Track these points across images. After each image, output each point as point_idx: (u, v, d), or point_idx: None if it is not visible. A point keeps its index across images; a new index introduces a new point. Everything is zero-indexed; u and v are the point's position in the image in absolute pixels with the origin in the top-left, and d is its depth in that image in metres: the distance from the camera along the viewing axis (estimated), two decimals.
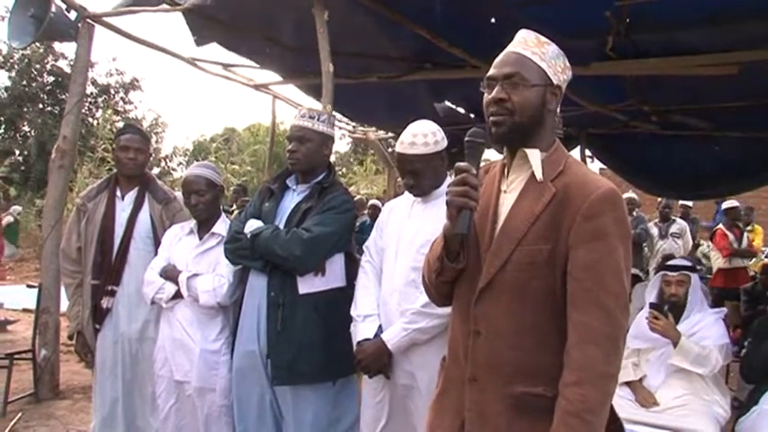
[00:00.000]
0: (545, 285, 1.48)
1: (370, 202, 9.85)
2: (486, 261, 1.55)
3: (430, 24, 4.16)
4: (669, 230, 7.85)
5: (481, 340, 1.55)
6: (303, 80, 5.67)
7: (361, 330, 2.47)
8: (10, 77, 17.57)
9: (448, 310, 1.73)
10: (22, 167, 17.59)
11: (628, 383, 3.21)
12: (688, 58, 4.08)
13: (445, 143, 2.43)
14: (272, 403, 2.68)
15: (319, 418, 2.63)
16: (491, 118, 1.54)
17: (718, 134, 5.85)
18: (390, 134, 8.28)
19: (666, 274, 3.42)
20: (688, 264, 3.58)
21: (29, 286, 9.47)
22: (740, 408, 3.31)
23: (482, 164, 1.63)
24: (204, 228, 2.98)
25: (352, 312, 2.54)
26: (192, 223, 3.02)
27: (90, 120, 17.35)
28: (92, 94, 18.02)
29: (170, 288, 2.89)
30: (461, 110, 6.28)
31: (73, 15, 4.75)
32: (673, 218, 8.03)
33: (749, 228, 7.77)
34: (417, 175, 2.40)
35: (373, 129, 8.48)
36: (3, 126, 17.73)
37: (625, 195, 7.37)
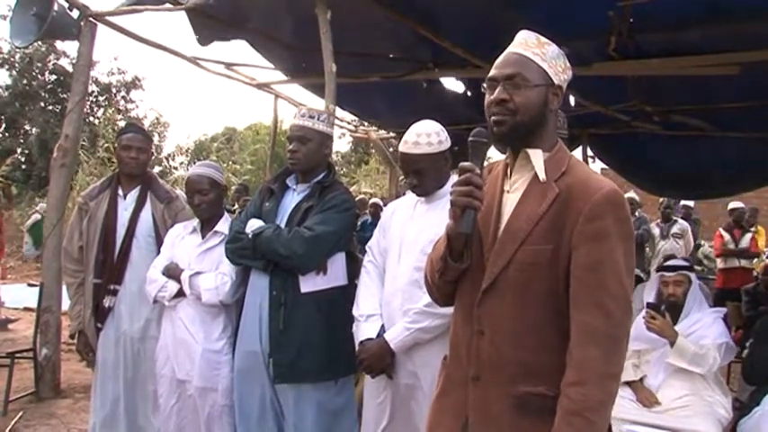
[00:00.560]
0: (548, 285, 1.49)
1: (372, 200, 9.85)
2: (489, 261, 1.55)
3: (432, 24, 4.16)
4: (671, 231, 7.86)
5: (485, 340, 1.55)
6: (306, 79, 5.67)
7: (364, 330, 2.47)
8: (11, 76, 17.60)
9: (451, 309, 1.73)
10: (24, 166, 17.61)
11: (629, 383, 3.21)
12: (689, 58, 4.08)
13: (449, 143, 2.44)
14: (273, 403, 2.68)
15: (321, 417, 2.63)
16: (493, 118, 1.54)
17: (720, 134, 5.85)
18: (392, 134, 8.27)
19: (664, 275, 3.43)
20: (685, 264, 3.57)
21: (30, 285, 9.48)
22: (742, 409, 3.31)
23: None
24: (207, 226, 2.99)
25: (355, 312, 2.54)
26: (195, 222, 3.03)
27: (91, 119, 17.37)
28: (93, 92, 18.04)
29: (173, 286, 2.90)
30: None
31: (75, 14, 4.75)
32: (674, 218, 8.03)
33: (753, 229, 7.76)
34: (421, 175, 2.40)
35: (375, 128, 8.47)
36: (4, 125, 17.75)
37: (627, 195, 7.37)
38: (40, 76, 17.93)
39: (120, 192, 3.26)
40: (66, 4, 4.71)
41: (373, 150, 15.78)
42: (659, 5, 3.45)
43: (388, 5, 3.92)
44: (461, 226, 1.51)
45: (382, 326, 2.45)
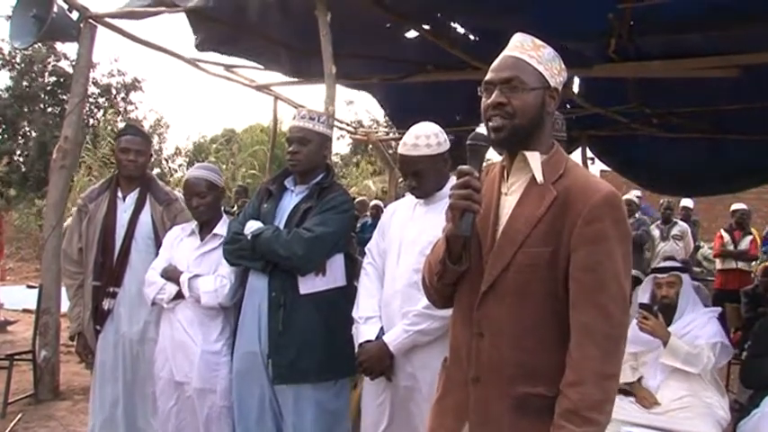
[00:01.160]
0: (546, 287, 1.50)
1: (372, 202, 9.86)
2: (488, 264, 1.55)
3: (432, 25, 4.17)
4: (670, 232, 7.85)
5: (484, 342, 1.55)
6: (306, 81, 5.69)
7: (363, 332, 2.47)
8: (11, 77, 17.60)
9: (449, 311, 1.73)
10: (23, 168, 17.60)
11: (627, 385, 3.20)
12: (689, 60, 4.10)
13: (448, 145, 2.44)
14: (272, 404, 2.68)
15: (320, 418, 2.63)
16: (491, 122, 1.54)
17: (719, 136, 5.86)
18: (392, 135, 8.29)
19: (657, 276, 3.43)
20: (677, 265, 3.57)
21: (29, 287, 9.48)
22: (741, 410, 3.31)
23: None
24: (206, 229, 2.98)
25: (354, 314, 2.54)
26: (194, 224, 3.02)
27: (91, 120, 17.36)
28: (93, 94, 18.04)
29: (171, 289, 2.89)
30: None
31: (75, 16, 4.76)
32: (674, 220, 8.03)
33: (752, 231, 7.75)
34: (420, 177, 2.40)
35: (375, 130, 8.48)
36: (3, 126, 17.74)
37: (625, 197, 7.38)
38: (39, 78, 17.92)
39: (120, 194, 3.26)
40: (66, 6, 4.71)
41: (373, 153, 15.79)
42: (659, 8, 3.46)
43: (388, 7, 3.93)
44: (460, 229, 1.51)
45: (381, 328, 2.44)
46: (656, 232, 7.92)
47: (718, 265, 7.59)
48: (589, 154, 7.32)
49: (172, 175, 17.83)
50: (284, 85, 6.32)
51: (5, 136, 17.88)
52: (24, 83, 17.61)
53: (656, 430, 2.91)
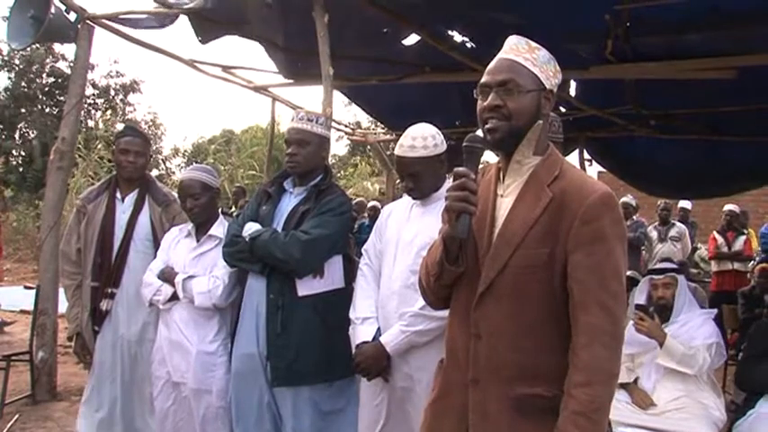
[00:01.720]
0: (544, 288, 1.51)
1: (370, 203, 9.86)
2: (484, 265, 1.56)
3: (429, 26, 4.17)
4: (668, 234, 7.86)
5: (482, 343, 1.56)
6: (304, 82, 5.69)
7: (360, 333, 2.47)
8: (9, 78, 17.57)
9: (446, 312, 1.74)
10: (20, 168, 17.56)
11: (623, 386, 3.21)
12: (686, 62, 4.11)
13: (444, 146, 2.44)
14: (270, 406, 2.69)
15: (318, 419, 2.63)
16: (487, 125, 1.55)
17: (716, 138, 5.87)
18: (390, 136, 8.29)
19: (653, 278, 3.44)
20: (673, 266, 3.58)
21: (26, 287, 9.45)
22: (737, 411, 3.32)
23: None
24: (201, 230, 2.99)
25: (351, 315, 2.54)
26: (190, 225, 3.02)
27: (90, 122, 17.34)
28: (91, 95, 18.01)
29: (167, 290, 2.90)
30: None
31: (72, 17, 4.75)
32: (672, 221, 8.04)
33: (745, 231, 7.76)
34: (417, 178, 2.41)
35: (373, 131, 8.49)
36: (1, 126, 17.70)
37: (622, 200, 7.39)
38: (38, 79, 17.88)
39: (119, 195, 3.26)
40: (64, 7, 4.71)
41: (371, 154, 15.80)
42: (656, 9, 3.47)
43: (385, 8, 3.94)
44: (457, 230, 1.51)
45: (378, 329, 2.45)
46: (653, 234, 7.93)
47: (714, 267, 7.59)
48: (586, 156, 7.32)
49: (170, 177, 17.81)
50: (282, 87, 6.31)
51: (3, 137, 17.82)
52: (22, 83, 17.57)
53: (652, 431, 2.92)
